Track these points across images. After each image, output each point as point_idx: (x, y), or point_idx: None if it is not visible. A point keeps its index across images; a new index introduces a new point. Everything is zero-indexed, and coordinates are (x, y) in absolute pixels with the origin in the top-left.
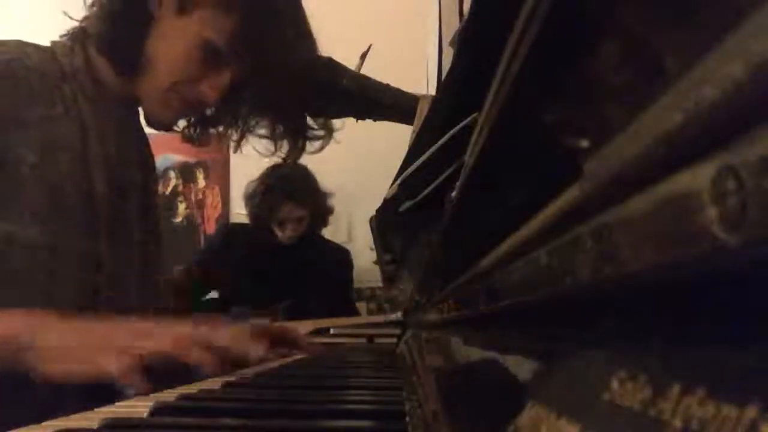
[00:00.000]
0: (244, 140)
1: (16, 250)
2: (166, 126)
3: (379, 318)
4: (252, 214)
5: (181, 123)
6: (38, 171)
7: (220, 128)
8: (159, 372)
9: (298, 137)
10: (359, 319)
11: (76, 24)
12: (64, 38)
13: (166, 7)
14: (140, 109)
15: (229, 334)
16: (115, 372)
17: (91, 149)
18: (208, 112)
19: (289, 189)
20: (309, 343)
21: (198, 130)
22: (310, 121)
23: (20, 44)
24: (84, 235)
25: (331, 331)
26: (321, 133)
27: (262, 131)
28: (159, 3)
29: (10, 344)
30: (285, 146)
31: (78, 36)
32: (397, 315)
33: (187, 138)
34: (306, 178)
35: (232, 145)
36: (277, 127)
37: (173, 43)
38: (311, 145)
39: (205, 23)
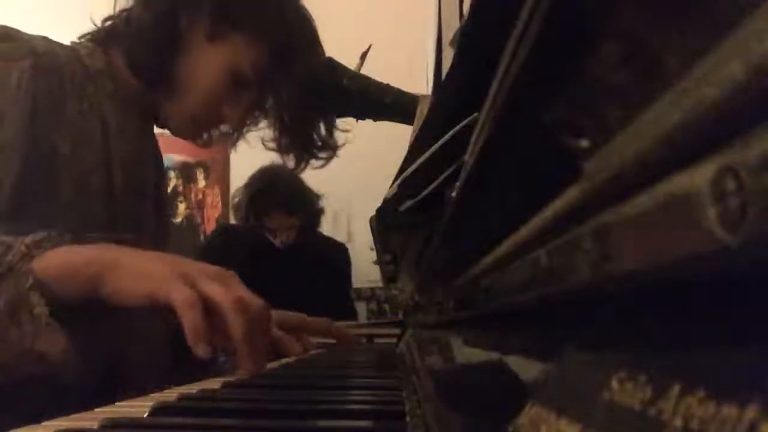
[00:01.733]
0: (242, 137)
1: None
2: (188, 139)
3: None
4: (242, 222)
5: None
6: (69, 163)
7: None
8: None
9: (305, 152)
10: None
11: (94, 26)
12: (84, 40)
13: (197, 31)
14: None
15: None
16: (177, 305)
17: (112, 147)
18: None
19: (275, 198)
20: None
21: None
22: (316, 136)
23: (47, 40)
24: (105, 231)
25: None
26: (325, 148)
27: (271, 144)
28: (190, 23)
29: (84, 271)
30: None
31: (100, 39)
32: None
33: (197, 143)
34: (292, 185)
35: (233, 143)
36: (285, 139)
37: (203, 70)
38: (314, 162)
39: (236, 51)
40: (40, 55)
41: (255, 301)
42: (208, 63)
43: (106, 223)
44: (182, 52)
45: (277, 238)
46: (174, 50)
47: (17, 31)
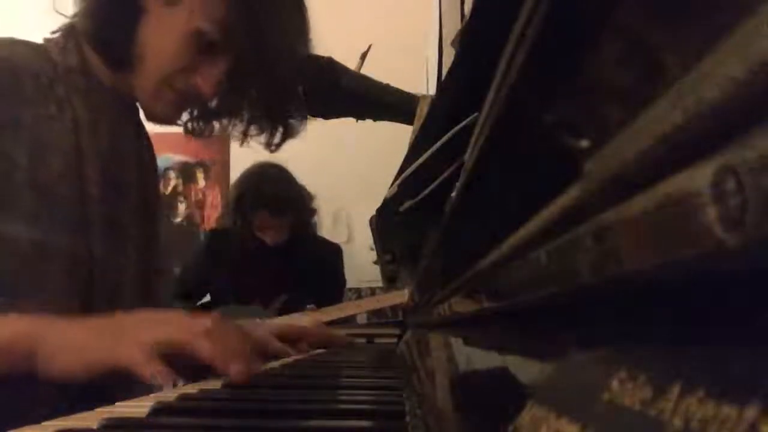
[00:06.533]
0: (248, 135)
1: (5, 250)
2: (165, 121)
3: (383, 299)
4: (231, 222)
5: (184, 116)
6: (30, 174)
7: (224, 121)
8: (180, 362)
9: (280, 126)
10: (362, 303)
11: (67, 20)
12: (57, 35)
13: None
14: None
15: (258, 334)
16: (130, 363)
17: (83, 148)
18: (212, 104)
19: (260, 200)
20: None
21: (201, 123)
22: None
23: (11, 42)
24: (76, 235)
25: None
26: (299, 123)
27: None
28: None
29: (17, 348)
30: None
31: (70, 32)
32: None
33: (188, 131)
34: (279, 186)
35: (237, 139)
36: (262, 115)
37: (163, 35)
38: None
39: (194, 12)
40: None
41: (205, 322)
42: (167, 27)
43: (78, 229)
44: (143, 22)
45: (266, 237)
46: (134, 21)
47: None
